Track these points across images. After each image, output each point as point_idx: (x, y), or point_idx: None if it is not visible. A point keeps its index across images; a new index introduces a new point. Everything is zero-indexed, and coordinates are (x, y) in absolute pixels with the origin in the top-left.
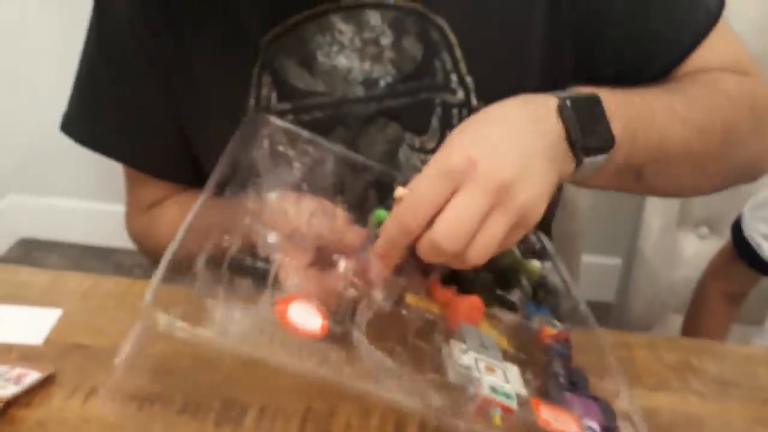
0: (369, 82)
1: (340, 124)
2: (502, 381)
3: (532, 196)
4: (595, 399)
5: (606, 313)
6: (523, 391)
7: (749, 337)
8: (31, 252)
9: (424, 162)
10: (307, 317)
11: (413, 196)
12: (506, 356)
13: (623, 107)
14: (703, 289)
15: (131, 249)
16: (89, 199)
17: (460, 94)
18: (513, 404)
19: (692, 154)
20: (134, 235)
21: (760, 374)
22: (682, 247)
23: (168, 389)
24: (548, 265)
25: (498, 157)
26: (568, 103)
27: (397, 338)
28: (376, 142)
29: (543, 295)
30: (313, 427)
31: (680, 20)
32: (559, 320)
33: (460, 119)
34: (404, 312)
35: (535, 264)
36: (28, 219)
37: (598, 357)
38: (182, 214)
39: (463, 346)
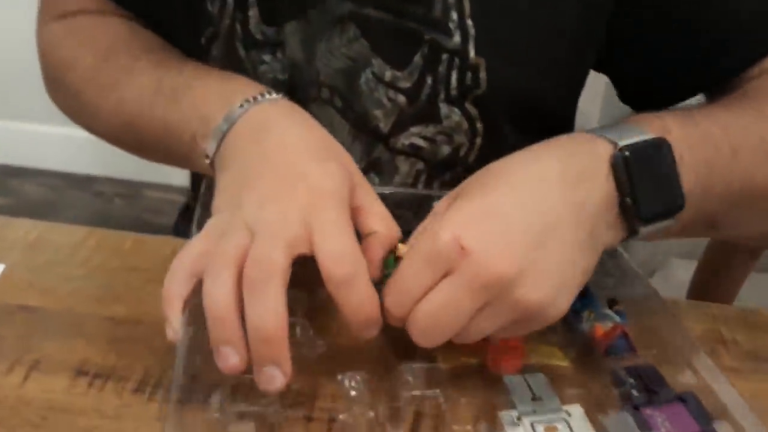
0: None
1: (301, 13)
2: None
3: (543, 295)
4: (681, 399)
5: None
6: None
7: (763, 286)
8: (7, 180)
9: (391, 100)
10: None
11: (397, 280)
12: (566, 382)
13: (697, 147)
14: (720, 242)
15: (113, 177)
16: (69, 125)
17: (457, 39)
18: None
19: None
20: (41, 46)
21: None
22: None
23: (123, 364)
24: None
25: (499, 245)
26: (628, 154)
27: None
28: (336, 55)
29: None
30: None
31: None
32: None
33: (449, 69)
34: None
35: None
36: (4, 145)
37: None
38: (96, 40)
39: (514, 414)
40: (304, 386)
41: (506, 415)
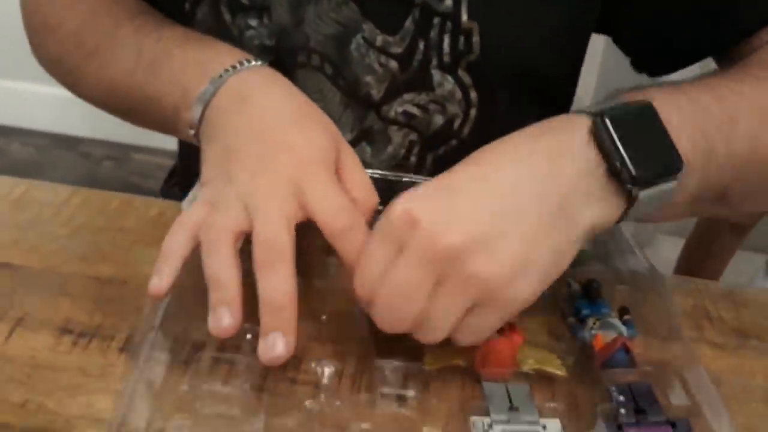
0: None
1: None
2: None
3: (498, 270)
4: (671, 423)
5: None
6: None
7: (748, 264)
8: None
9: (382, 66)
10: None
11: (360, 261)
12: (552, 394)
13: (692, 114)
14: (709, 219)
15: (100, 139)
16: (57, 85)
17: (448, 2)
18: None
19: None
20: (25, 8)
21: None
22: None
23: (108, 323)
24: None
25: (448, 216)
26: (608, 120)
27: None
28: (325, 20)
29: (595, 288)
30: None
31: None
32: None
33: (441, 34)
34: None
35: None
36: None
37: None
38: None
39: (486, 421)
40: (336, 370)
41: (478, 421)
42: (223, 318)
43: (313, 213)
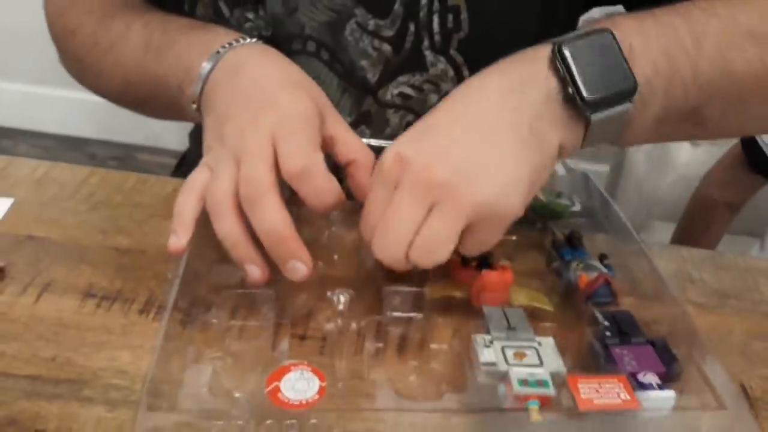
0: None
1: None
2: (536, 364)
3: (488, 191)
4: (651, 342)
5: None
6: (561, 369)
7: (743, 248)
8: (0, 141)
9: (376, 49)
10: (302, 385)
11: (363, 210)
12: (544, 320)
13: (656, 37)
14: (702, 197)
15: (105, 140)
16: (63, 87)
17: None
18: (550, 391)
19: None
20: (48, 16)
21: (760, 287)
22: (675, 154)
23: (128, 288)
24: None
25: (435, 152)
26: (565, 49)
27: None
28: (319, 8)
29: (577, 237)
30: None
31: None
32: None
33: (430, 14)
34: (419, 316)
35: (561, 203)
36: None
37: (646, 277)
38: (95, 8)
39: (487, 338)
40: (301, 308)
41: (479, 338)
42: (253, 272)
43: (278, 159)
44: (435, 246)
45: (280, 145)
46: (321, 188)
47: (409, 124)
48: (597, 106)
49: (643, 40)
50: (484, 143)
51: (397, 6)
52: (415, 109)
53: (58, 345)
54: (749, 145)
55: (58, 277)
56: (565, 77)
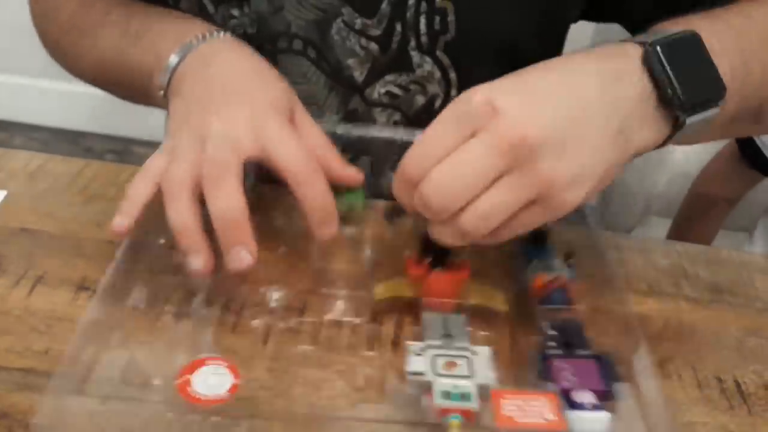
0: None
1: None
2: (465, 375)
3: (565, 172)
4: (596, 357)
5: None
6: (491, 381)
7: (736, 245)
8: None
9: (363, 48)
10: (214, 381)
11: (421, 140)
12: (493, 323)
13: (729, 38)
14: (698, 193)
15: (103, 133)
16: (59, 80)
17: None
18: (472, 405)
19: None
20: (36, 15)
21: (755, 282)
22: (672, 150)
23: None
24: None
25: (530, 110)
26: (659, 49)
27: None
28: (306, 6)
29: (541, 234)
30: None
31: None
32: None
33: (417, 15)
34: (358, 321)
35: None
36: None
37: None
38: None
39: (420, 345)
40: (294, 302)
41: (412, 345)
42: (197, 262)
43: (273, 158)
44: (494, 214)
45: (268, 138)
46: (322, 194)
47: (396, 123)
48: (693, 110)
49: (721, 41)
50: (578, 122)
51: (384, 6)
52: (401, 109)
53: (51, 338)
54: (744, 140)
55: (51, 270)
56: (662, 78)
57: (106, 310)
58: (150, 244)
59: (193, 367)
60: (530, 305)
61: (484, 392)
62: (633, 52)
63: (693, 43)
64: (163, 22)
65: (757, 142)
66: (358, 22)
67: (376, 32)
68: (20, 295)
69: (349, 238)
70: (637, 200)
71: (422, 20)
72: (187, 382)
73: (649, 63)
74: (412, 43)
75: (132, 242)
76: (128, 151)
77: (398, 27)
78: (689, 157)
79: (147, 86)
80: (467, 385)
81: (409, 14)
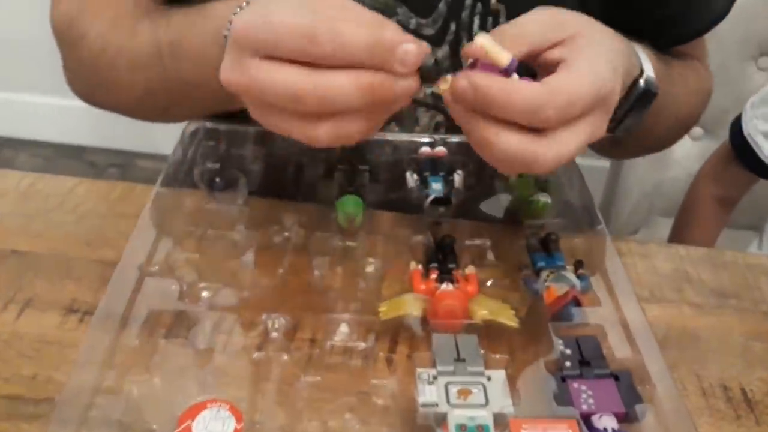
0: None
1: None
2: (481, 404)
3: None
4: (615, 376)
5: (593, 221)
6: (508, 409)
7: (743, 243)
8: (0, 151)
9: None
10: (216, 426)
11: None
12: (502, 341)
13: (663, 82)
14: (695, 193)
15: (106, 148)
16: (61, 96)
17: None
18: None
19: (673, 126)
20: (57, 24)
21: (761, 285)
22: (674, 148)
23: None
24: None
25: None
26: (643, 85)
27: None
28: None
29: (553, 241)
30: None
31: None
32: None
33: (472, 16)
34: (363, 345)
35: (540, 201)
36: None
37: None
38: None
39: (432, 373)
40: (295, 330)
41: (423, 373)
42: (410, 47)
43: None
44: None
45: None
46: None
47: (438, 124)
48: (615, 130)
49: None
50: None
51: (441, 5)
52: (445, 111)
53: (39, 363)
54: (736, 139)
55: (40, 292)
56: (624, 104)
57: (102, 345)
58: (141, 273)
59: (193, 413)
60: (542, 320)
61: (501, 420)
62: (635, 62)
63: (654, 95)
64: (189, 26)
65: (750, 142)
66: (413, 21)
67: (429, 32)
68: (8, 320)
69: (349, 252)
70: (640, 200)
71: (476, 21)
72: (188, 430)
73: (634, 89)
74: (464, 42)
75: (124, 266)
76: (131, 165)
77: (452, 27)
78: (690, 155)
79: (210, 95)
80: (484, 416)
81: (464, 14)
